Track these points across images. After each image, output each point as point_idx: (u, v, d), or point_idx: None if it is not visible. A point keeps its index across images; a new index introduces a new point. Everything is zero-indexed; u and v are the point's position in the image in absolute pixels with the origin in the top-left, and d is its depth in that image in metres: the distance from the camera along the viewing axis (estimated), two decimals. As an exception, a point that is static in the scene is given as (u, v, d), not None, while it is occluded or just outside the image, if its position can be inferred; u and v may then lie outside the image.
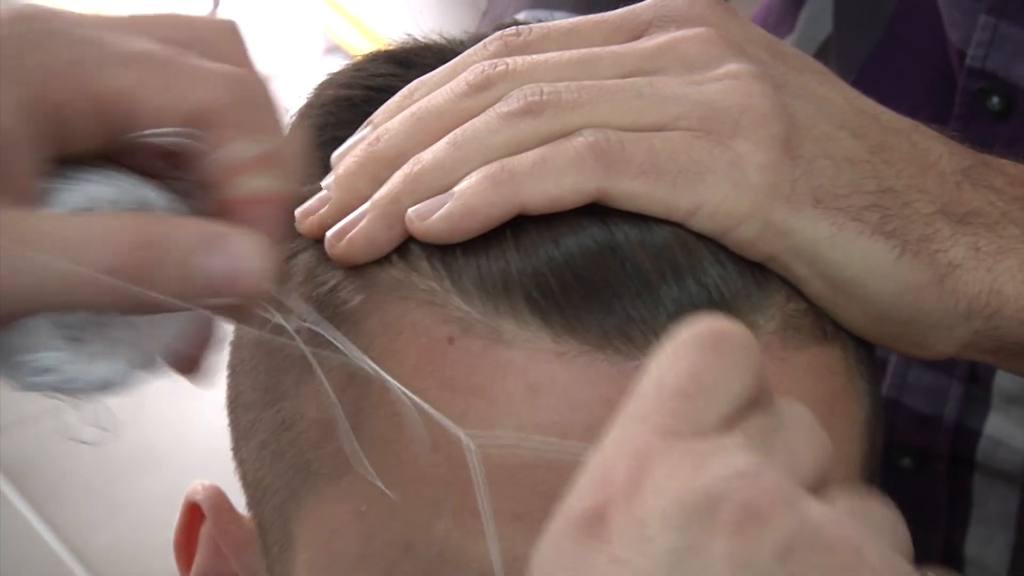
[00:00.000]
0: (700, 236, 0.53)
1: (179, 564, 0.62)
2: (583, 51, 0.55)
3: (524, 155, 0.52)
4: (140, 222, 0.46)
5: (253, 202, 0.48)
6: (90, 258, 0.45)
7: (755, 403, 0.43)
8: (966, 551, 0.79)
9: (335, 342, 0.51)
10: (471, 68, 0.54)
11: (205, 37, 0.49)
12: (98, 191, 0.47)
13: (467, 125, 0.53)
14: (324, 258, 0.54)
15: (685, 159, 0.52)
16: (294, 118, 0.60)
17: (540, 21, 0.57)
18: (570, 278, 0.51)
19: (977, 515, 0.78)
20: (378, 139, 0.54)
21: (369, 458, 0.52)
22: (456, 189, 0.52)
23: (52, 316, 0.46)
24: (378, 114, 0.56)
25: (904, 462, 0.78)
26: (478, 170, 0.52)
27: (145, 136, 0.47)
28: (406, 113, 0.54)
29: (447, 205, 0.52)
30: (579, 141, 0.52)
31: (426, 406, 0.50)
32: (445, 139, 0.53)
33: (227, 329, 0.51)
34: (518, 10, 0.82)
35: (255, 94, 0.48)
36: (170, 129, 0.47)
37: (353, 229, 0.53)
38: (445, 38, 0.60)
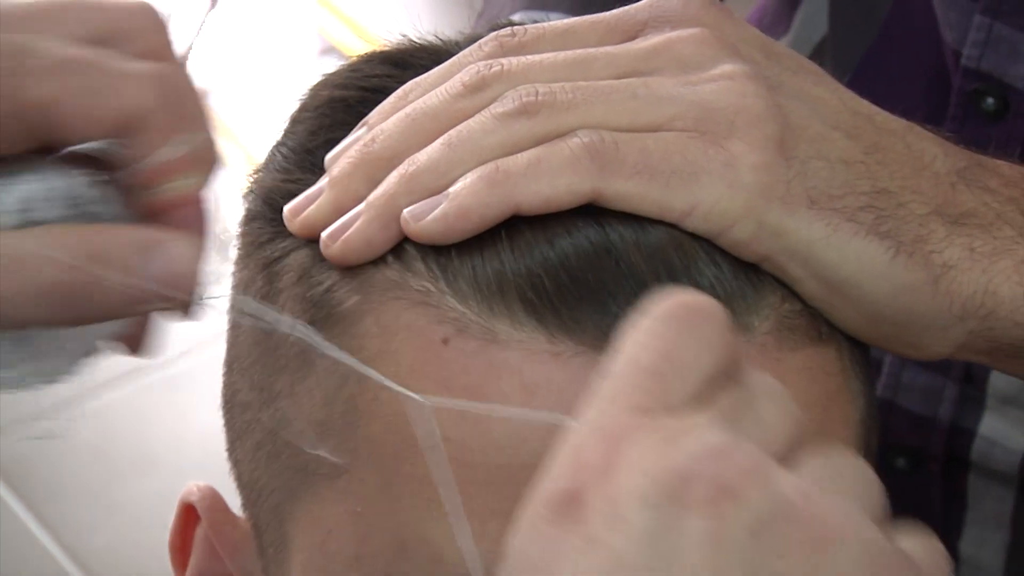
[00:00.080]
0: (695, 237, 0.53)
1: (174, 565, 0.62)
2: (578, 52, 0.55)
3: (519, 156, 0.52)
4: (80, 236, 0.47)
5: (182, 204, 0.49)
6: (30, 278, 0.45)
7: (726, 376, 0.43)
8: (961, 551, 0.79)
9: (309, 339, 0.51)
10: (466, 69, 0.55)
11: (125, 27, 0.49)
12: (30, 191, 0.47)
13: (462, 126, 0.53)
14: (319, 258, 0.54)
15: (680, 160, 0.52)
16: (288, 119, 0.60)
17: (535, 22, 0.57)
18: (565, 279, 0.51)
19: (972, 515, 0.78)
20: (373, 140, 0.54)
21: (364, 458, 0.52)
22: (451, 190, 0.52)
23: None
24: (373, 115, 0.56)
25: (899, 463, 0.78)
26: (473, 171, 0.52)
27: (71, 150, 0.48)
28: (401, 114, 0.54)
29: (442, 206, 0.52)
30: (574, 142, 0.52)
31: (374, 372, 0.51)
32: (440, 140, 0.53)
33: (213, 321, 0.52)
34: (513, 11, 0.82)
35: (178, 90, 0.49)
36: (95, 145, 0.48)
37: (348, 230, 0.53)
38: (440, 39, 0.60)
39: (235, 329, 0.58)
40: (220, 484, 0.61)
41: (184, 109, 0.49)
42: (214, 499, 0.60)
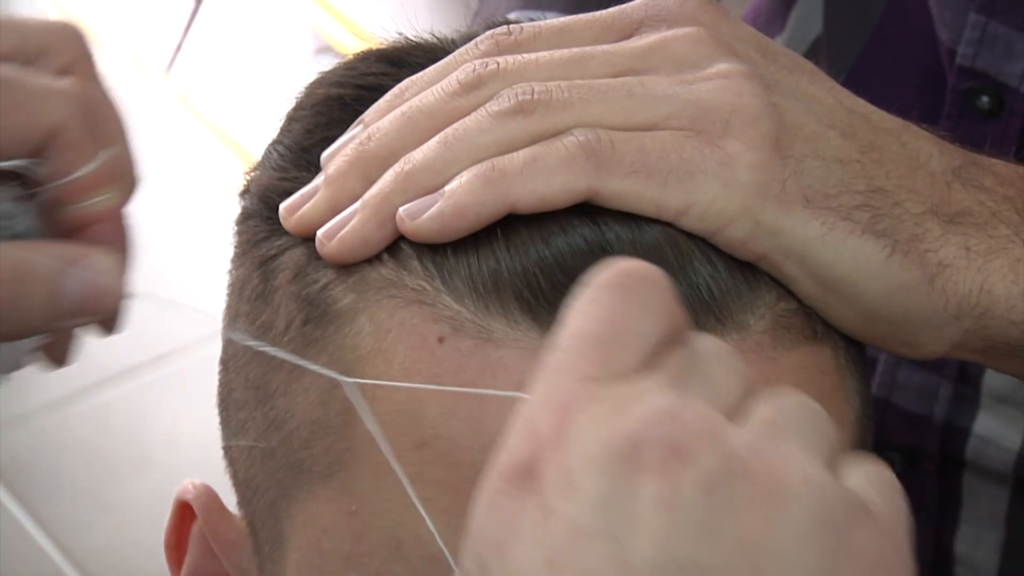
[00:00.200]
0: (690, 236, 0.53)
1: (170, 563, 0.62)
2: (574, 50, 0.55)
3: (515, 154, 0.52)
4: (2, 253, 0.47)
5: (102, 219, 0.49)
6: None
7: (671, 340, 0.44)
8: (956, 550, 0.79)
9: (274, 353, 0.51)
10: (462, 67, 0.55)
11: (45, 45, 0.50)
12: None
13: (458, 124, 0.53)
14: (314, 256, 0.54)
15: (675, 159, 0.52)
16: (284, 117, 0.60)
17: (532, 20, 0.57)
18: (561, 278, 0.51)
19: (967, 514, 0.78)
20: (369, 138, 0.54)
21: (359, 457, 0.52)
22: (447, 188, 0.52)
23: None
24: (369, 113, 0.56)
25: (894, 461, 0.78)
26: (469, 169, 0.52)
27: None
28: (397, 112, 0.54)
29: (438, 204, 0.52)
30: (570, 140, 0.52)
31: (300, 359, 0.52)
32: (436, 138, 0.53)
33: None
34: (509, 9, 0.82)
35: (97, 106, 0.49)
36: (14, 163, 0.48)
37: (344, 228, 0.53)
38: (436, 37, 0.60)
39: (231, 327, 0.58)
40: (216, 483, 0.61)
41: (103, 125, 0.50)
42: (210, 497, 0.60)
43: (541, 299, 0.51)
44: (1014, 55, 0.72)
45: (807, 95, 0.55)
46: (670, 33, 0.55)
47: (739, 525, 0.40)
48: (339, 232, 0.53)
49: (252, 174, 0.59)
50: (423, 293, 0.52)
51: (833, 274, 0.53)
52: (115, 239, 0.50)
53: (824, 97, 0.56)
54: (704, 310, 0.52)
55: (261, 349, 0.53)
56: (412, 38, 0.60)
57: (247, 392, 0.56)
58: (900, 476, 0.78)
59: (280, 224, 0.55)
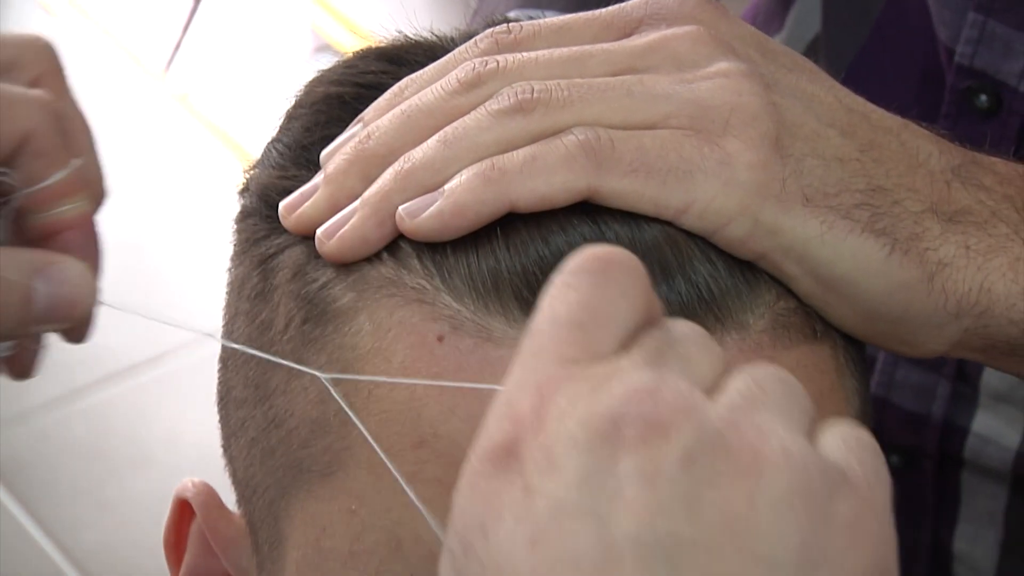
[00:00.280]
0: (690, 235, 0.53)
1: (169, 561, 0.62)
2: (573, 49, 0.55)
3: (515, 153, 0.52)
4: None
5: (72, 227, 0.50)
6: None
7: (647, 324, 0.44)
8: (954, 548, 0.79)
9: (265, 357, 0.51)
10: (462, 66, 0.55)
11: (17, 58, 0.50)
12: None
13: (458, 123, 0.53)
14: (314, 255, 0.54)
15: (675, 157, 0.52)
16: (283, 115, 0.60)
17: (531, 19, 0.57)
18: (560, 276, 0.51)
19: (965, 513, 0.78)
20: (368, 137, 0.54)
21: (358, 456, 0.52)
22: (447, 187, 0.52)
23: None
24: (368, 112, 0.56)
25: (892, 460, 0.79)
26: (468, 168, 0.52)
27: None
28: (397, 111, 0.54)
29: (437, 203, 0.52)
30: (569, 139, 0.52)
31: (272, 356, 0.52)
32: (436, 137, 0.53)
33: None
34: (509, 8, 0.82)
35: (66, 116, 0.50)
36: None
37: (343, 227, 0.53)
38: (436, 35, 0.60)
39: (230, 326, 0.58)
40: (215, 481, 0.61)
41: (73, 135, 0.50)
42: (209, 495, 0.60)
43: (541, 298, 0.51)
44: (1013, 54, 0.73)
45: (807, 94, 0.55)
46: (670, 32, 0.55)
47: (719, 498, 0.41)
48: (339, 231, 0.53)
49: (251, 172, 0.59)
50: (423, 292, 0.52)
51: (833, 273, 0.53)
52: (85, 247, 0.50)
53: (823, 96, 0.56)
54: (704, 309, 0.52)
55: (231, 346, 0.54)
56: (411, 36, 0.60)
57: (246, 391, 0.56)
58: (898, 475, 0.79)
59: (279, 222, 0.55)
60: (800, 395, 0.44)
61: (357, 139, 0.54)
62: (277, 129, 0.60)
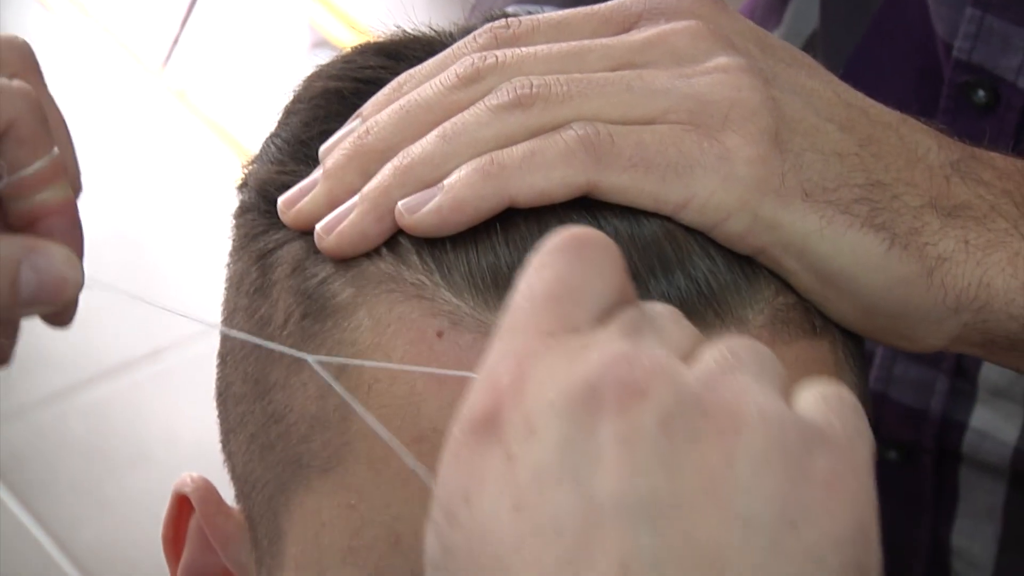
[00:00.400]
0: (689, 230, 0.53)
1: (167, 557, 0.62)
2: (572, 44, 0.55)
3: (514, 148, 0.52)
4: None
5: (55, 212, 0.51)
6: None
7: (622, 303, 0.45)
8: (952, 543, 0.79)
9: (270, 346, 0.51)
10: (460, 61, 0.55)
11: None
12: None
13: (456, 118, 0.53)
14: (313, 250, 0.54)
15: (674, 153, 0.52)
16: (282, 110, 0.60)
17: (529, 14, 0.57)
18: (559, 272, 0.51)
19: (963, 508, 0.78)
20: (367, 132, 0.54)
21: (357, 452, 0.52)
22: (446, 182, 0.52)
23: None
24: (367, 107, 0.56)
25: (890, 455, 0.78)
26: (468, 163, 0.52)
27: None
28: (395, 106, 0.54)
29: (437, 198, 0.52)
30: (569, 134, 0.52)
31: (261, 340, 0.52)
32: (434, 132, 0.53)
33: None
34: (507, 3, 0.82)
35: (46, 106, 0.51)
36: None
37: (342, 222, 0.53)
38: (434, 30, 0.60)
39: (229, 321, 0.58)
40: (214, 477, 0.61)
41: (51, 123, 0.51)
42: (207, 490, 0.60)
43: (540, 293, 0.51)
44: (1011, 49, 0.72)
45: (805, 89, 0.55)
46: (669, 27, 0.55)
47: (698, 457, 0.41)
48: (338, 226, 0.53)
49: (250, 167, 0.59)
50: (422, 287, 0.52)
51: (832, 267, 0.53)
52: (69, 232, 0.51)
53: (822, 91, 0.56)
54: (703, 304, 0.52)
55: (256, 342, 0.54)
56: (410, 32, 0.60)
57: (245, 386, 0.56)
58: (897, 470, 0.79)
59: (278, 218, 0.55)
60: (773, 361, 0.44)
61: (356, 134, 0.54)
62: (275, 124, 0.60)
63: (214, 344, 0.59)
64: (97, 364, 2.16)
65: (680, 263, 0.52)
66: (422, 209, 0.52)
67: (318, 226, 0.54)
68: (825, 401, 0.44)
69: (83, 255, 0.51)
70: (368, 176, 0.54)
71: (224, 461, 0.59)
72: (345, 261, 0.54)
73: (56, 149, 0.50)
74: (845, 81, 0.57)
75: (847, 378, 0.56)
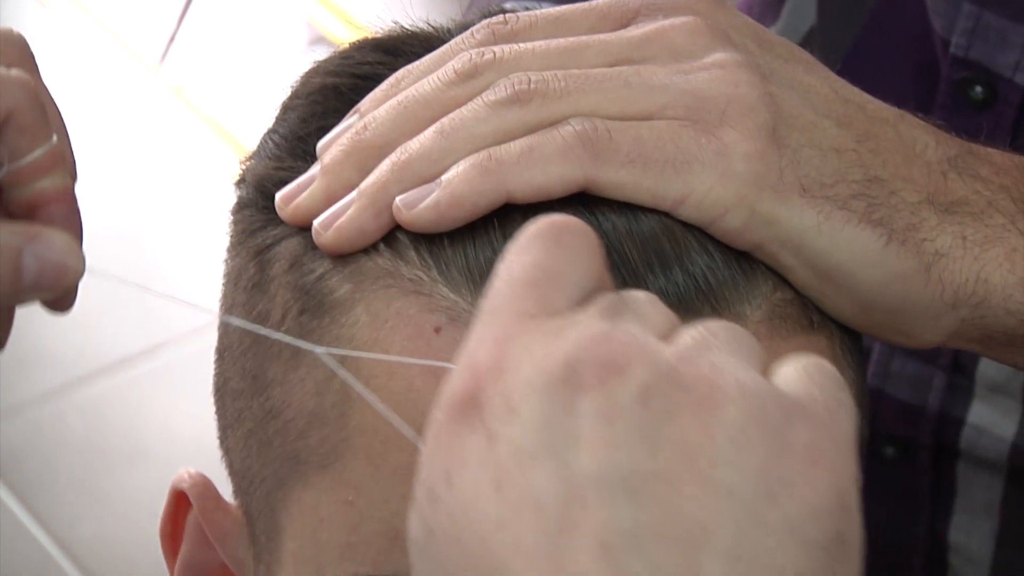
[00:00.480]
0: (687, 225, 0.53)
1: (165, 553, 0.62)
2: (570, 39, 0.55)
3: (511, 144, 0.52)
4: None
5: (55, 200, 0.51)
6: None
7: (600, 288, 0.45)
8: (950, 539, 0.79)
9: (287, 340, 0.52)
10: (458, 56, 0.55)
11: None
12: None
13: (454, 114, 0.53)
14: (310, 246, 0.54)
15: (672, 148, 0.52)
16: (279, 106, 0.60)
17: (527, 9, 0.57)
18: (557, 267, 0.51)
19: (961, 504, 0.78)
20: (365, 128, 0.54)
21: (355, 448, 0.52)
22: (443, 178, 0.52)
23: None
24: (365, 102, 0.56)
25: (888, 451, 0.79)
26: (465, 159, 0.52)
27: None
28: (393, 102, 0.54)
29: (434, 194, 0.52)
30: (567, 130, 0.52)
31: (267, 331, 0.53)
32: (432, 128, 0.53)
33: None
34: (504, -1, 0.82)
35: (43, 95, 0.51)
36: None
37: (340, 218, 0.53)
38: (432, 26, 0.60)
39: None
40: (211, 474, 0.61)
41: (49, 111, 0.51)
42: (205, 486, 0.60)
43: (537, 289, 0.51)
44: (1007, 45, 0.72)
45: (803, 85, 0.55)
46: (666, 22, 0.55)
47: (677, 431, 0.42)
48: (335, 222, 0.53)
49: (247, 163, 0.59)
50: (420, 283, 0.52)
51: (829, 263, 0.53)
52: (69, 219, 0.52)
53: (820, 87, 0.56)
54: (701, 300, 0.52)
55: (258, 332, 0.54)
56: (408, 27, 0.60)
57: (243, 382, 0.56)
58: (894, 466, 0.79)
59: (276, 214, 0.55)
60: (751, 340, 0.45)
61: (354, 130, 0.54)
62: (273, 120, 0.60)
63: (212, 340, 0.59)
64: (95, 361, 2.16)
65: (678, 259, 0.52)
66: (420, 205, 0.52)
67: (316, 222, 0.54)
68: (806, 373, 0.44)
69: (82, 241, 0.52)
70: (366, 172, 0.54)
71: (222, 457, 0.59)
72: (343, 257, 0.54)
73: (55, 137, 0.51)
74: (842, 77, 0.57)
75: (845, 374, 0.56)
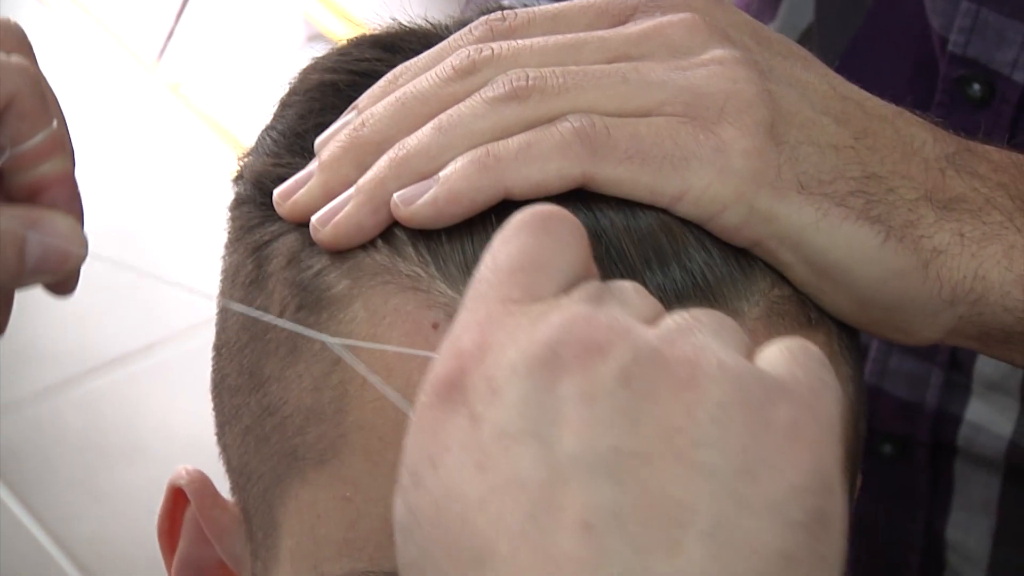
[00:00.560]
0: (685, 222, 0.53)
1: (163, 549, 0.62)
2: (568, 36, 0.55)
3: (509, 140, 0.52)
4: None
5: (56, 184, 0.51)
6: None
7: (585, 276, 0.46)
8: (948, 537, 0.79)
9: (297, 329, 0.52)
10: (456, 53, 0.54)
11: None
12: None
13: (452, 110, 0.53)
14: (308, 242, 0.54)
15: (670, 145, 0.52)
16: (277, 103, 0.60)
17: (525, 6, 0.57)
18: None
19: (958, 501, 0.78)
20: (363, 124, 0.54)
21: (353, 444, 0.52)
22: (441, 174, 0.52)
23: None
24: (363, 99, 0.56)
25: (885, 449, 0.79)
26: (463, 155, 0.52)
27: None
28: (391, 98, 0.54)
29: (432, 190, 0.52)
30: (564, 126, 0.52)
31: (272, 318, 0.53)
32: (430, 124, 0.53)
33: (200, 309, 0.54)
34: (503, -4, 0.82)
35: (42, 80, 0.52)
36: None
37: (338, 214, 0.53)
38: (430, 23, 0.60)
39: (224, 313, 0.58)
40: (209, 470, 0.61)
41: (48, 97, 0.52)
42: (203, 483, 0.60)
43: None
44: (1005, 43, 0.72)
45: (801, 82, 0.55)
46: (665, 19, 0.55)
47: (658, 411, 0.42)
48: (333, 218, 0.53)
49: (245, 160, 0.59)
50: (417, 279, 0.52)
51: (827, 260, 0.53)
52: (70, 203, 0.52)
53: (818, 84, 0.56)
54: (699, 296, 0.52)
55: (260, 319, 0.54)
56: (406, 24, 0.60)
57: (241, 378, 0.56)
58: (892, 464, 0.79)
59: (274, 210, 0.55)
60: (733, 324, 0.45)
61: (351, 126, 0.54)
62: (271, 117, 0.60)
63: (209, 337, 0.59)
64: (92, 358, 2.15)
65: (676, 255, 0.52)
66: (418, 201, 0.52)
67: (314, 218, 0.54)
68: (790, 354, 0.44)
69: (84, 225, 0.52)
70: (364, 168, 0.54)
71: (219, 454, 0.59)
72: (341, 253, 0.54)
73: (55, 123, 0.51)
74: (840, 74, 0.57)
75: (843, 370, 0.56)
